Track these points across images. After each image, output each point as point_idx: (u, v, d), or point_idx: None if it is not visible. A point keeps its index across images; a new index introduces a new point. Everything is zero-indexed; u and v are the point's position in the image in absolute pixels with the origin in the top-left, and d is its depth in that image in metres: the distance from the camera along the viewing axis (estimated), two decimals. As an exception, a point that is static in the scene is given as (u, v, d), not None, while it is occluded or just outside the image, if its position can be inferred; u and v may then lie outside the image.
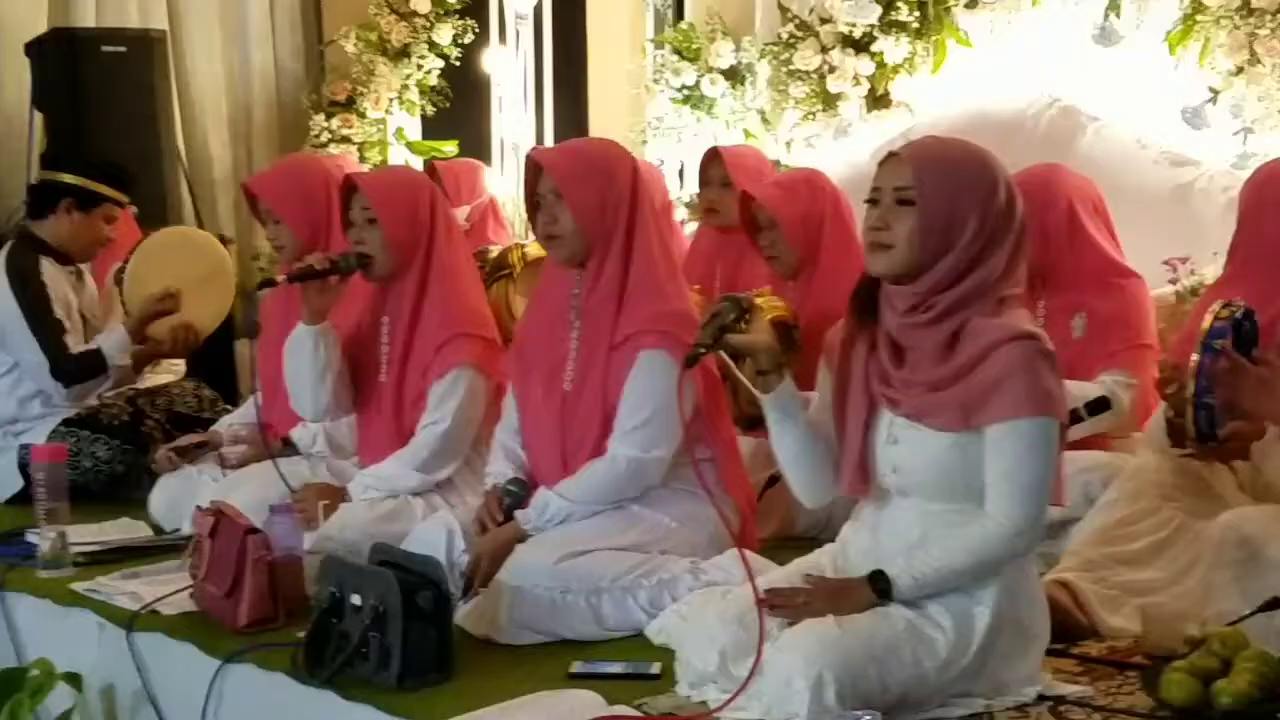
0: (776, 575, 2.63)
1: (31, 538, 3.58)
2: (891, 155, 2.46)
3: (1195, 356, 2.79)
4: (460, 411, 3.37)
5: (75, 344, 4.32)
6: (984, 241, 2.40)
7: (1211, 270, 3.86)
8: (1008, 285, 2.45)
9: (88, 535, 3.70)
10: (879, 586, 2.41)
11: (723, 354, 2.56)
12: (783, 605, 2.45)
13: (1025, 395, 2.35)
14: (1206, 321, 2.81)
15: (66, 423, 4.31)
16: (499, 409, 3.38)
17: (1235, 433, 2.88)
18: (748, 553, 2.68)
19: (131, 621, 3.11)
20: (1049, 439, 2.38)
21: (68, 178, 4.44)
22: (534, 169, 3.15)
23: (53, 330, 4.28)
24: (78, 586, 3.35)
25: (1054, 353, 2.42)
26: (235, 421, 4.06)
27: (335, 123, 6.67)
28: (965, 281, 2.41)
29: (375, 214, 3.39)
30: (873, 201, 2.45)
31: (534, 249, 4.56)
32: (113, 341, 4.36)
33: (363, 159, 6.59)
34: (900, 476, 2.49)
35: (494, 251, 4.87)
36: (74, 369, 4.30)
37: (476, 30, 6.68)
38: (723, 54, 5.85)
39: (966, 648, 2.41)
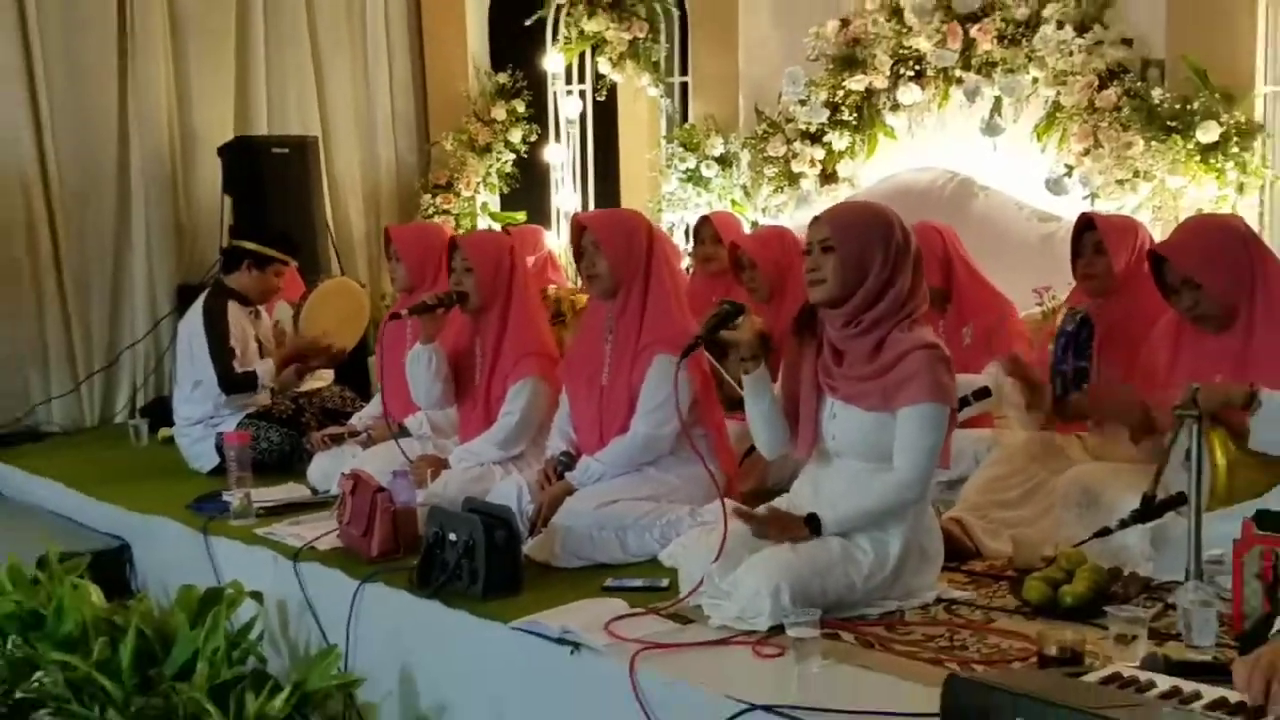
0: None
1: (226, 498, 3.64)
2: (815, 219, 2.52)
3: (1052, 345, 2.94)
4: (528, 408, 3.40)
5: (239, 366, 4.36)
6: (890, 269, 2.44)
7: (1065, 295, 3.89)
8: (915, 306, 2.47)
9: (265, 496, 3.73)
10: (812, 525, 2.44)
11: (708, 354, 2.59)
12: (746, 520, 2.48)
13: (927, 387, 2.38)
14: (1059, 319, 2.97)
15: (249, 416, 4.35)
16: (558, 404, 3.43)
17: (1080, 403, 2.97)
18: (728, 500, 2.71)
19: (297, 554, 3.15)
20: (940, 419, 2.41)
21: (248, 244, 4.48)
22: (579, 228, 3.19)
23: (227, 356, 4.33)
24: (259, 531, 3.40)
25: (950, 358, 2.45)
26: (365, 415, 4.10)
27: (438, 200, 6.68)
28: (882, 301, 2.44)
29: (471, 264, 3.43)
30: (806, 252, 2.50)
31: (580, 301, 4.59)
32: (264, 369, 4.41)
33: (458, 226, 6.59)
34: (837, 443, 2.52)
35: (552, 290, 4.92)
36: (235, 384, 4.33)
37: (539, 132, 6.69)
38: (716, 146, 5.82)
39: (884, 566, 2.44)
